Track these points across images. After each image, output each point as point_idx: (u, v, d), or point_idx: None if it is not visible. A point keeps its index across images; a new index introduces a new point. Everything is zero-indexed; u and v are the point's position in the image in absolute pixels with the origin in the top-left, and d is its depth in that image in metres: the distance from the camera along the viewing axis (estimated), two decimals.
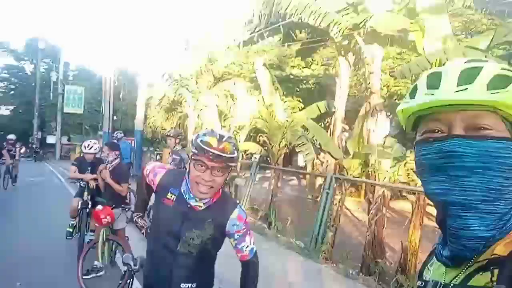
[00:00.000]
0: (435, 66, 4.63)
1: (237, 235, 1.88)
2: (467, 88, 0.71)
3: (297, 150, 7.77)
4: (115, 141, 10.06)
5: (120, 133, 12.26)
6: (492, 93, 0.69)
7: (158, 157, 17.58)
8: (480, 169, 0.71)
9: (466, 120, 0.74)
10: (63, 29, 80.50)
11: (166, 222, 1.84)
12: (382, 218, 5.93)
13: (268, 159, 11.05)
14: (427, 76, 0.79)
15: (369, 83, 6.59)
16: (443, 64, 3.83)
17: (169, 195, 1.85)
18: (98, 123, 31.81)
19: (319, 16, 6.42)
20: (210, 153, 1.65)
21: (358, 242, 7.60)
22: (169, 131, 7.26)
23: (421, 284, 0.87)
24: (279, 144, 9.82)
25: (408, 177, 8.84)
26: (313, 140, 8.31)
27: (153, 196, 2.05)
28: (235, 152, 1.73)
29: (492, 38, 4.96)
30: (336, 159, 7.56)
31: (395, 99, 13.47)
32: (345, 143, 8.97)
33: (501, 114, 0.72)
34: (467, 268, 0.74)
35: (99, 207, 4.61)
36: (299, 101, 12.31)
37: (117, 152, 5.19)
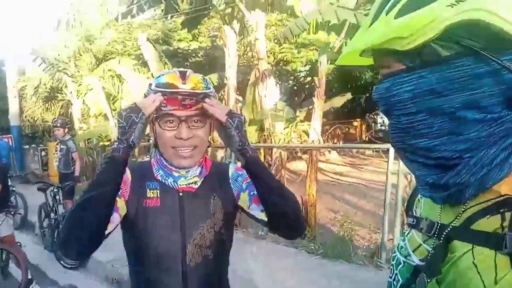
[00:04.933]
0: (312, 26, 4.93)
1: (246, 184, 1.34)
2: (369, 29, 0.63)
3: None
4: None
5: None
6: (370, 34, 0.62)
7: (43, 153, 15.89)
8: (391, 111, 0.65)
9: (376, 62, 0.68)
10: None
11: (159, 231, 1.23)
12: (282, 178, 6.26)
13: None
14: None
15: (255, 50, 6.74)
16: (319, 24, 4.05)
17: (149, 193, 1.25)
18: None
19: None
20: (179, 94, 1.14)
21: None
22: (55, 120, 6.65)
23: (413, 221, 0.75)
24: None
25: (300, 138, 9.45)
26: None
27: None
28: (210, 87, 1.23)
29: None
30: None
31: (281, 65, 14.06)
32: (241, 112, 9.15)
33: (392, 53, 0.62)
34: (467, 209, 0.62)
35: None
36: None
37: None
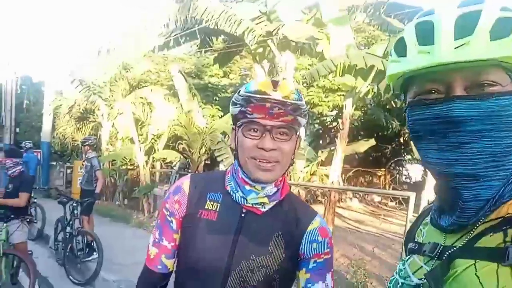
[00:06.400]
0: (340, 69, 5.04)
1: (314, 262, 1.15)
2: (469, 41, 0.60)
3: (216, 155, 7.79)
4: (23, 150, 9.41)
5: (30, 143, 11.57)
6: (497, 46, 0.60)
7: (68, 171, 16.35)
8: (487, 132, 0.62)
9: (467, 77, 0.64)
10: None
11: (206, 247, 1.12)
12: None
13: (189, 170, 10.93)
14: (416, 26, 0.67)
15: None
16: (346, 68, 4.12)
17: (208, 204, 1.15)
18: None
19: (234, 23, 6.58)
20: (268, 102, 1.02)
21: None
22: (85, 138, 7.11)
23: (414, 246, 0.77)
24: (199, 151, 9.77)
25: (322, 182, 9.37)
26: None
27: None
28: (302, 99, 1.08)
29: (386, 46, 5.60)
30: None
31: (308, 108, 14.21)
32: None
33: (505, 66, 0.63)
34: (472, 231, 0.66)
35: None
36: (218, 109, 12.40)
37: (17, 160, 4.79)
